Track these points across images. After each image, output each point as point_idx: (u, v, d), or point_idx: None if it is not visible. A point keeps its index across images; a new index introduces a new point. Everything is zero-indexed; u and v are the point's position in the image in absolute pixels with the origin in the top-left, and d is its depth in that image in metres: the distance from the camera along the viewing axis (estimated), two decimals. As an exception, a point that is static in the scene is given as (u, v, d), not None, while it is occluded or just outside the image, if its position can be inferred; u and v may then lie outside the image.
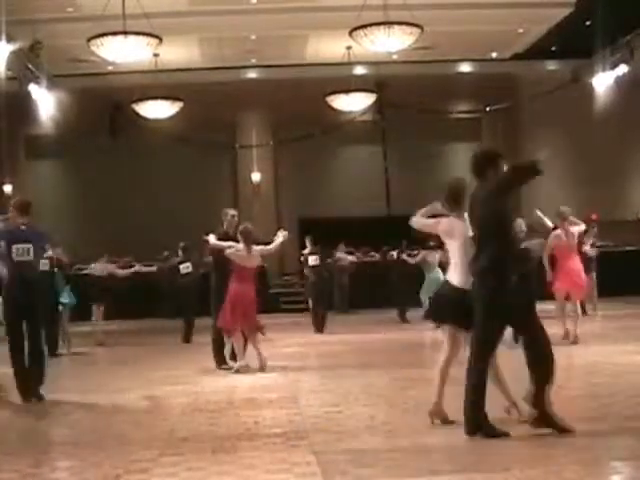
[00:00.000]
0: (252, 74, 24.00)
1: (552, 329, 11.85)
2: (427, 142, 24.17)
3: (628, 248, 21.00)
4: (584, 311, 14.89)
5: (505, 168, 6.21)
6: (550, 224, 11.53)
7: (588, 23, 19.33)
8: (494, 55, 23.65)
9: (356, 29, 15.94)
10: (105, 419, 7.58)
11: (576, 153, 24.29)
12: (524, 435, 5.84)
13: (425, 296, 15.16)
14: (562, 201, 23.45)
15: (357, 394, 7.83)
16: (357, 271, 20.51)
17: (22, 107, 17.04)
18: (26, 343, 8.30)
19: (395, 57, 20.40)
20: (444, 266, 6.57)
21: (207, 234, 10.37)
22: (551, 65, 23.91)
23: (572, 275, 11.50)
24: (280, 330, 14.66)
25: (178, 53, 20.91)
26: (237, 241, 10.12)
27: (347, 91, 20.88)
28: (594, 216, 19.75)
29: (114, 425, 7.21)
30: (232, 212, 10.94)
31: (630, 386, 7.71)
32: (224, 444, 5.96)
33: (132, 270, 15.76)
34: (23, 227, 8.37)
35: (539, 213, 11.48)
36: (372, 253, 21.68)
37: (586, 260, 15.58)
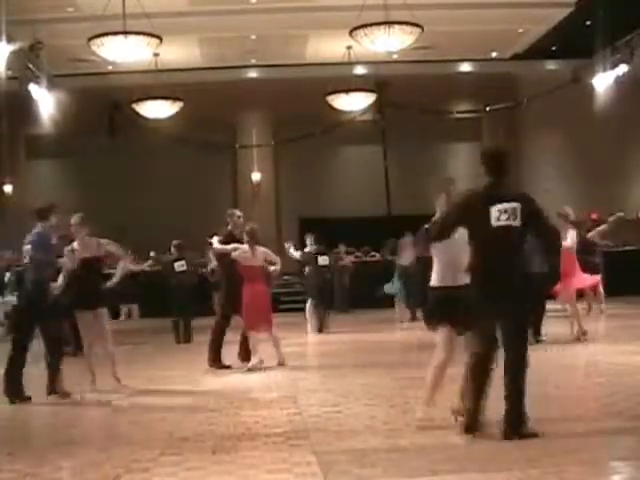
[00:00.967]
0: (252, 74, 24.00)
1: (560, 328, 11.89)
2: (427, 142, 24.18)
3: (628, 248, 20.99)
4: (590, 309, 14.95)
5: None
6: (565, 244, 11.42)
7: (588, 23, 19.33)
8: (494, 55, 23.65)
9: (356, 29, 15.94)
10: (105, 419, 7.59)
11: (576, 153, 24.30)
12: (524, 435, 5.84)
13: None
14: (562, 201, 23.59)
15: (357, 394, 7.83)
16: (357, 271, 20.51)
17: (22, 107, 17.04)
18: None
19: (395, 57, 20.41)
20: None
21: (211, 236, 10.37)
22: (551, 65, 23.91)
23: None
24: (280, 330, 14.63)
25: (178, 53, 20.92)
26: (241, 242, 10.17)
27: (347, 91, 20.87)
28: (594, 216, 19.72)
29: (114, 425, 7.21)
30: (238, 213, 11.00)
31: (630, 386, 7.70)
32: (224, 444, 5.96)
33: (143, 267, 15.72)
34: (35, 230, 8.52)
35: None
36: (373, 253, 21.70)
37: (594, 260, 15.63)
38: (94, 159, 23.08)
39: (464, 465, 5.14)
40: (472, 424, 5.74)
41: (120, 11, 15.18)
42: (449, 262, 6.15)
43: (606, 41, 17.87)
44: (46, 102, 16.68)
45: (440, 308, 6.18)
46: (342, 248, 20.39)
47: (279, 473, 5.10)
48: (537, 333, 11.27)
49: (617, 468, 5.05)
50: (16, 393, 8.10)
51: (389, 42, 15.97)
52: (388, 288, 17.15)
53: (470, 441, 5.69)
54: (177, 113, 20.76)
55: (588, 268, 15.48)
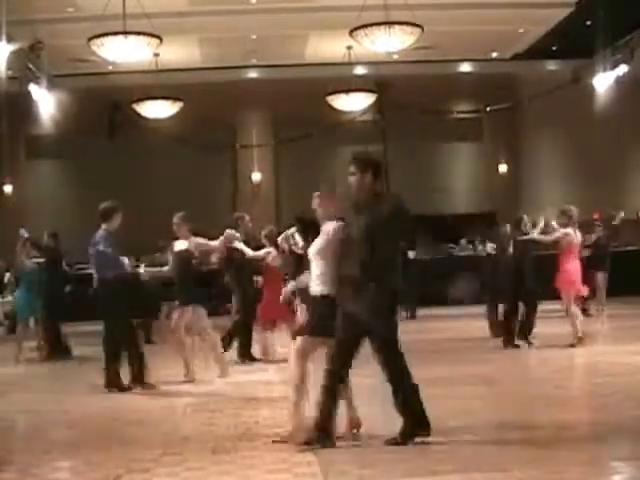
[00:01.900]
0: (252, 74, 23.99)
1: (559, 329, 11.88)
2: (427, 142, 24.18)
3: (629, 248, 20.97)
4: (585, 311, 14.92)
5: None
6: (549, 237, 11.44)
7: (588, 23, 19.33)
8: (494, 55, 23.64)
9: (356, 29, 15.92)
10: (106, 419, 7.59)
11: (576, 153, 24.29)
12: (525, 436, 5.84)
13: None
14: (562, 201, 23.57)
15: (357, 394, 7.81)
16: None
17: (22, 107, 17.04)
18: None
19: (395, 57, 20.39)
20: None
21: (230, 242, 10.40)
22: (551, 65, 23.90)
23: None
24: (280, 329, 14.62)
25: (178, 53, 20.90)
26: (249, 245, 10.79)
27: (347, 91, 20.86)
28: (596, 215, 19.73)
29: (115, 425, 7.21)
30: (247, 217, 11.33)
31: (630, 386, 7.70)
32: (225, 444, 5.96)
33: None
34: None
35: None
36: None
37: (599, 259, 15.66)
38: (94, 159, 23.07)
39: (464, 465, 5.14)
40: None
41: (120, 11, 15.17)
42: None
43: (606, 41, 17.86)
44: (46, 102, 16.67)
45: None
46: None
47: (279, 473, 5.10)
48: (526, 336, 11.26)
49: (617, 468, 5.05)
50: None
51: (389, 42, 15.96)
52: None
53: (470, 441, 5.69)
54: (177, 113, 20.75)
55: (598, 268, 15.59)
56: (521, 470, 4.91)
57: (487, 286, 13.45)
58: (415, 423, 5.69)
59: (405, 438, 5.66)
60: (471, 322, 14.61)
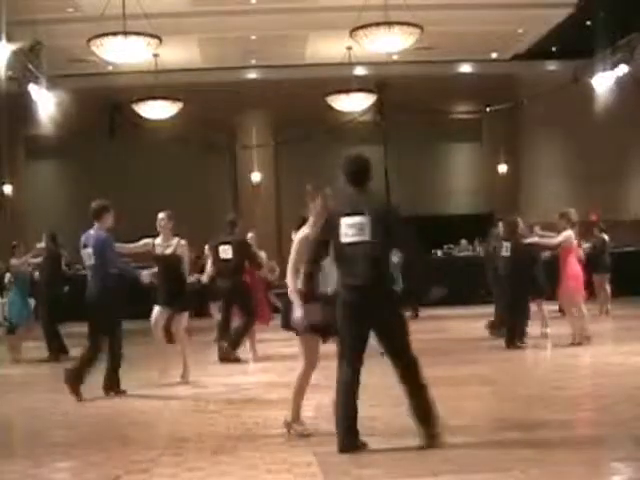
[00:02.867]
0: (252, 74, 23.98)
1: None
2: (427, 142, 24.16)
3: (628, 249, 20.98)
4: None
5: None
6: (552, 241, 11.48)
7: (588, 23, 19.32)
8: (494, 55, 23.63)
9: (356, 29, 15.91)
10: (105, 419, 7.59)
11: (576, 153, 24.29)
12: (525, 436, 5.84)
13: None
14: (562, 201, 23.61)
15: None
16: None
17: (22, 107, 17.01)
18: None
19: (395, 57, 20.38)
20: None
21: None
22: (551, 65, 23.89)
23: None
24: (280, 329, 14.62)
25: (178, 53, 20.89)
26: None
27: (347, 91, 20.85)
28: (594, 216, 19.72)
29: (114, 425, 7.21)
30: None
31: (630, 386, 7.71)
32: (224, 444, 5.96)
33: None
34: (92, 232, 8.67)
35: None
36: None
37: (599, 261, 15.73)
38: (94, 159, 23.06)
39: (464, 466, 5.15)
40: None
41: (120, 11, 15.15)
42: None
43: (606, 41, 17.85)
44: (46, 102, 16.65)
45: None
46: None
47: (279, 473, 5.10)
48: (520, 338, 11.27)
49: (617, 468, 5.05)
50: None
51: (389, 43, 15.95)
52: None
53: (470, 441, 5.69)
54: (177, 113, 20.73)
55: (600, 268, 15.65)
56: (521, 470, 4.91)
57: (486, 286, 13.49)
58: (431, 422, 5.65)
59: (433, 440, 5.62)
60: (471, 322, 14.62)
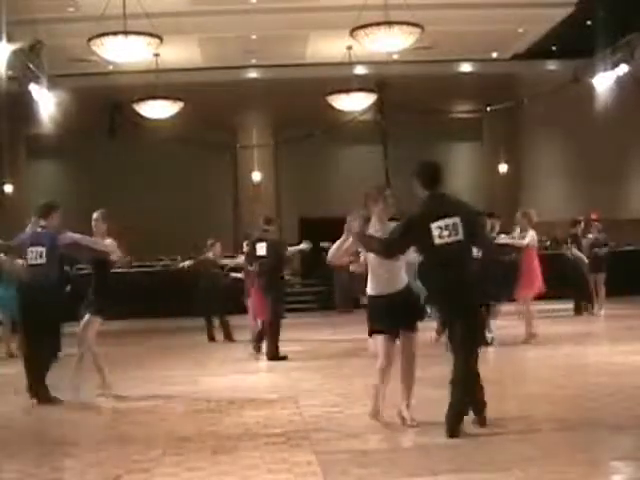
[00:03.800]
0: (252, 74, 23.98)
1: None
2: (428, 142, 24.13)
3: (628, 248, 20.99)
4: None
5: None
6: (523, 242, 11.56)
7: (589, 23, 19.32)
8: (494, 55, 23.64)
9: (356, 29, 15.91)
10: (105, 419, 7.60)
11: (576, 153, 24.30)
12: (524, 435, 5.85)
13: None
14: (562, 201, 23.63)
15: (357, 394, 7.82)
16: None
17: (22, 107, 17.02)
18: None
19: (395, 57, 20.40)
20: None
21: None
22: (551, 65, 23.90)
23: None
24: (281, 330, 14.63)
25: (178, 53, 20.90)
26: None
27: (347, 91, 20.85)
28: (594, 215, 19.73)
29: (115, 425, 7.22)
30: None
31: (630, 386, 7.71)
32: (225, 444, 5.97)
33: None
34: (39, 229, 8.47)
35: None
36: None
37: (597, 260, 15.77)
38: (94, 159, 23.09)
39: (464, 465, 5.15)
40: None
41: (120, 11, 15.17)
42: (382, 270, 6.30)
43: (606, 41, 17.86)
44: (46, 102, 16.66)
45: (375, 315, 6.33)
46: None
47: (279, 473, 5.10)
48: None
49: (617, 468, 5.05)
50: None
51: (389, 42, 15.96)
52: None
53: (470, 441, 5.70)
54: (177, 113, 20.74)
55: (595, 265, 15.72)
56: (521, 469, 4.91)
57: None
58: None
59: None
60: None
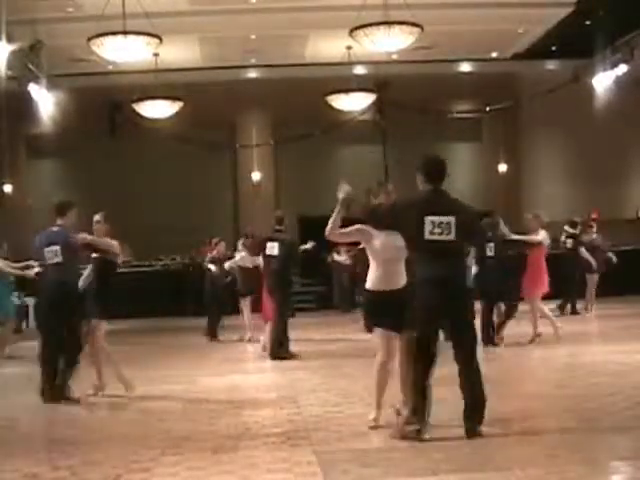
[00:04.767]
0: (252, 74, 23.98)
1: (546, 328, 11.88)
2: (427, 142, 24.12)
3: (627, 247, 20.97)
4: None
5: None
6: (535, 238, 11.61)
7: (588, 23, 19.32)
8: (494, 55, 23.63)
9: (356, 29, 15.90)
10: (105, 419, 7.60)
11: (576, 153, 24.30)
12: (525, 435, 5.85)
13: None
14: (562, 201, 23.62)
15: (358, 394, 7.82)
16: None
17: (22, 107, 17.02)
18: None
19: (395, 57, 20.39)
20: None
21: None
22: (551, 65, 23.89)
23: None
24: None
25: (178, 53, 20.90)
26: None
27: (347, 91, 20.84)
28: (594, 215, 19.73)
29: (114, 425, 7.22)
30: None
31: (630, 386, 7.71)
32: (225, 444, 5.97)
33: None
34: (55, 229, 8.45)
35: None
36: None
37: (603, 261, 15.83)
38: (94, 159, 23.07)
39: (464, 465, 5.15)
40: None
41: (120, 11, 15.16)
42: (384, 266, 6.30)
43: (606, 41, 17.86)
44: (46, 102, 16.66)
45: (375, 311, 6.32)
46: (342, 247, 20.37)
47: (279, 473, 5.10)
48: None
49: (617, 468, 5.05)
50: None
51: (389, 42, 15.94)
52: None
53: (470, 441, 5.70)
54: (177, 113, 20.73)
55: (590, 270, 15.74)
56: (521, 469, 4.91)
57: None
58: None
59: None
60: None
